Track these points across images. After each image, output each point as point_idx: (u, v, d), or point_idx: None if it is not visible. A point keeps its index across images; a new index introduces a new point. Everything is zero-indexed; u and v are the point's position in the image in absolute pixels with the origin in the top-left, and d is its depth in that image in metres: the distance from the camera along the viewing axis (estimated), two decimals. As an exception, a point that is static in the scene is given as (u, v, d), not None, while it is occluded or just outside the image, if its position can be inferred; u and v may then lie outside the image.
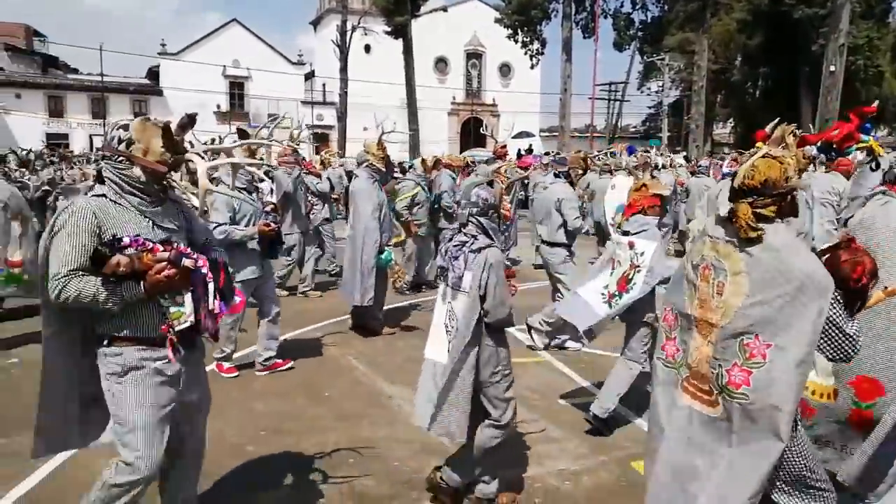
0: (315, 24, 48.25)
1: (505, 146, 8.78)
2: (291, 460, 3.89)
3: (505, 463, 3.86)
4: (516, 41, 36.14)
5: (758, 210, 2.37)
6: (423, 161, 9.02)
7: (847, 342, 2.35)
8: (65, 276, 2.36)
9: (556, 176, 6.63)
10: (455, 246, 3.22)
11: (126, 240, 2.42)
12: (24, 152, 15.91)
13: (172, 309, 2.53)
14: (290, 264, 8.22)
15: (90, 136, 37.25)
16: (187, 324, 2.55)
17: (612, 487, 3.66)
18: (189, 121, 2.58)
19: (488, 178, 3.68)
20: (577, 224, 6.15)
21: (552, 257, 6.28)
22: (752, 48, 32.66)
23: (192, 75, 39.03)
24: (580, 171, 8.52)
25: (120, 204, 2.50)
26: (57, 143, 33.22)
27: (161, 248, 2.46)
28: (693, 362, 2.51)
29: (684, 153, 21.13)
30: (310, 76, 45.26)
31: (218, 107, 41.22)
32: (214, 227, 4.66)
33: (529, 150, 25.52)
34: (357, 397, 4.96)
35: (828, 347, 2.37)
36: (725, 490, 2.34)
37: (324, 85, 43.02)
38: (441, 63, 47.38)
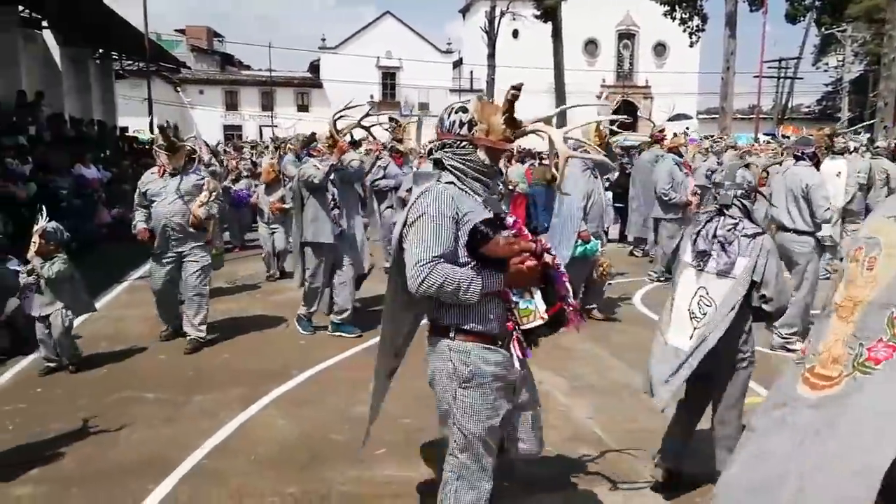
0: (464, 11, 48.83)
1: (663, 130, 8.37)
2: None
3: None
4: (673, 18, 34.08)
5: None
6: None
7: None
8: (430, 262, 2.22)
9: (800, 158, 5.99)
10: (727, 230, 3.09)
11: (509, 220, 2.33)
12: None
13: (522, 305, 2.34)
14: None
15: (259, 127, 40.64)
16: (536, 322, 2.35)
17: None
18: (514, 94, 2.37)
19: (744, 162, 3.57)
20: (827, 216, 5.59)
21: (798, 246, 5.71)
22: (959, 12, 28.23)
23: (348, 67, 41.20)
24: (824, 151, 7.63)
25: (463, 191, 2.37)
26: (232, 133, 36.67)
27: (529, 237, 2.33)
28: (824, 347, 2.25)
29: (868, 135, 18.87)
30: (458, 64, 46.00)
31: (371, 97, 43.21)
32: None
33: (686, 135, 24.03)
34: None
35: None
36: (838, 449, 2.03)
37: (471, 72, 43.53)
38: (591, 45, 46.01)
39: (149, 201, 5.63)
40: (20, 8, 14.51)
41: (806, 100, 45.20)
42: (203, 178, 5.84)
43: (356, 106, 5.93)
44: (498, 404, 2.41)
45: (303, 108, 42.80)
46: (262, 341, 5.86)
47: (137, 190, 5.80)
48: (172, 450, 3.76)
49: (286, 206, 7.83)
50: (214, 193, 5.77)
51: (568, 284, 2.38)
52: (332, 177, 5.72)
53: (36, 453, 3.68)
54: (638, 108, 43.72)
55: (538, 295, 2.32)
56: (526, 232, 2.32)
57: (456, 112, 2.38)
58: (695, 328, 3.10)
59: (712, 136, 20.06)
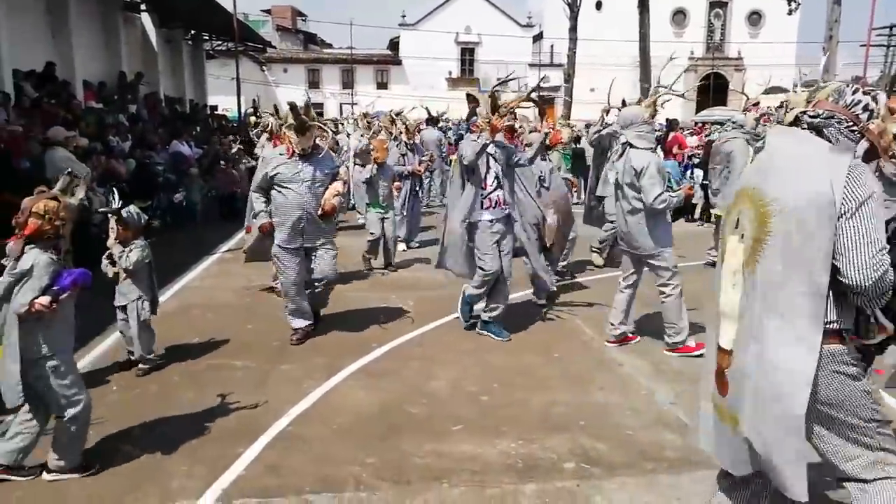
0: (545, -16, 47.65)
1: (758, 103, 7.87)
2: (522, 415, 3.99)
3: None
4: (770, -16, 32.01)
5: None
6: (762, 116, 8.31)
7: None
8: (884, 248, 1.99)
9: None
10: None
11: None
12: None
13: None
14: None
15: (340, 105, 41.41)
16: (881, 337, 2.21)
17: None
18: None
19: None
20: None
21: None
22: None
23: (427, 44, 41.17)
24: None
25: None
26: (315, 111, 37.56)
27: None
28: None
29: None
30: (538, 38, 45.04)
31: (449, 73, 43.05)
32: (655, 197, 4.71)
33: (756, 105, 22.55)
34: (586, 361, 4.92)
35: None
36: None
37: (552, 46, 42.52)
38: (679, 15, 43.88)
39: (275, 186, 5.06)
40: (120, -8, 15.31)
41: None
42: (337, 166, 5.43)
43: (514, 79, 5.79)
44: None
45: (382, 85, 43.23)
46: (343, 315, 6.00)
47: (261, 171, 5.23)
48: (259, 416, 3.92)
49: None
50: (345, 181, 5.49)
51: None
52: (495, 154, 5.18)
53: (136, 416, 3.92)
54: (728, 80, 41.51)
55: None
56: None
57: (864, 94, 2.18)
58: None
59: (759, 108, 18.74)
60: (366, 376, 4.61)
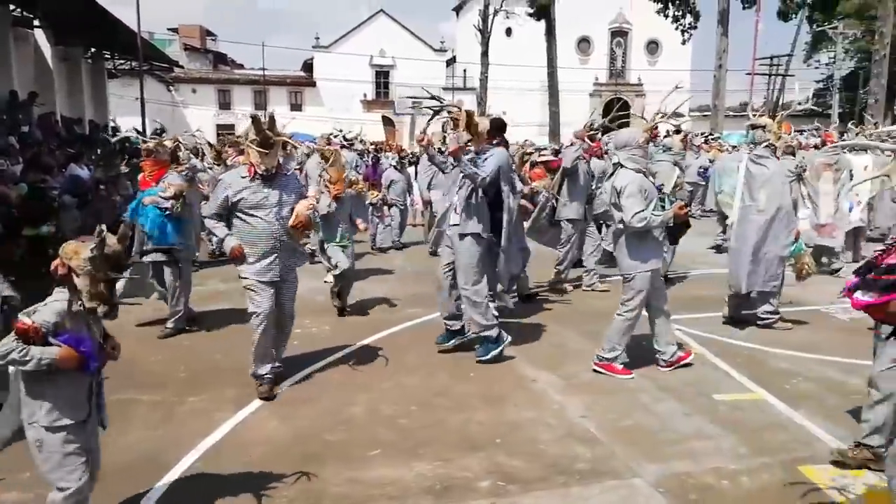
0: (457, 9, 48.73)
1: (656, 127, 8.37)
2: (440, 436, 4.02)
3: (655, 456, 3.75)
4: (666, 16, 34.19)
5: None
6: (685, 138, 8.68)
7: None
8: None
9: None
10: None
11: None
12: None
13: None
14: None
15: (253, 126, 40.45)
16: None
17: (776, 491, 3.41)
18: None
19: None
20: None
21: None
22: (950, 9, 28.35)
23: (342, 66, 41.06)
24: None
25: None
26: (225, 133, 36.48)
27: None
28: None
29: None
30: (451, 62, 45.94)
31: (364, 95, 43.09)
32: (633, 216, 4.67)
33: (677, 131, 24.04)
34: (501, 378, 5.02)
35: None
36: None
37: (465, 70, 43.48)
38: (584, 43, 46.02)
39: (239, 213, 4.52)
40: (11, 7, 14.42)
41: (797, 97, 45.37)
42: (303, 186, 4.96)
43: (441, 104, 5.73)
44: None
45: (296, 107, 42.64)
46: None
47: (219, 194, 4.58)
48: (166, 452, 3.75)
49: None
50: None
51: None
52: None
53: (26, 457, 3.65)
54: (630, 105, 43.76)
55: None
56: None
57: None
58: None
59: (703, 134, 20.12)
60: (280, 405, 4.50)
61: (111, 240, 2.67)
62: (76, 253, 2.64)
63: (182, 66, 36.98)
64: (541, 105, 37.40)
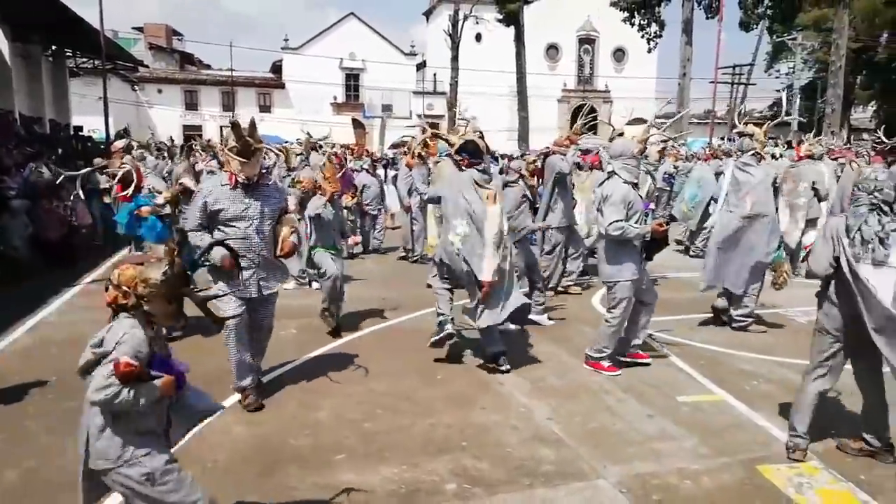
0: (427, 14, 48.86)
1: (622, 133, 8.50)
2: (406, 439, 4.02)
3: (619, 457, 3.80)
4: (632, 24, 34.77)
5: None
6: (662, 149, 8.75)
7: None
8: None
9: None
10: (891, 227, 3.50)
11: None
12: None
13: None
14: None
15: (220, 128, 39.92)
16: None
17: (736, 490, 3.49)
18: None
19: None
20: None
21: None
22: (902, 23, 29.49)
23: (311, 68, 40.76)
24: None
25: None
26: (192, 133, 35.90)
27: None
28: None
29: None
30: (421, 66, 45.99)
31: (335, 98, 42.83)
32: (610, 223, 4.82)
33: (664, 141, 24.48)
34: (468, 382, 5.03)
35: None
36: None
37: (434, 75, 43.55)
38: (552, 49, 46.50)
39: (219, 225, 4.24)
40: (-34, 2, 13.99)
41: (759, 105, 46.55)
42: (285, 196, 4.73)
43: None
44: None
45: (265, 108, 42.16)
46: (216, 345, 5.75)
47: (198, 203, 4.29)
48: (126, 458, 3.66)
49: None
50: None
51: None
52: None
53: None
54: (597, 111, 44.40)
55: None
56: None
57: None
58: None
59: (668, 140, 20.46)
60: (244, 410, 4.44)
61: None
62: (141, 279, 2.43)
63: (147, 66, 36.29)
64: (510, 110, 37.70)
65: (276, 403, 4.55)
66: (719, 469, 3.70)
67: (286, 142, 12.73)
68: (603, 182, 5.23)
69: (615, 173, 5.10)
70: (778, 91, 41.62)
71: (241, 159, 4.15)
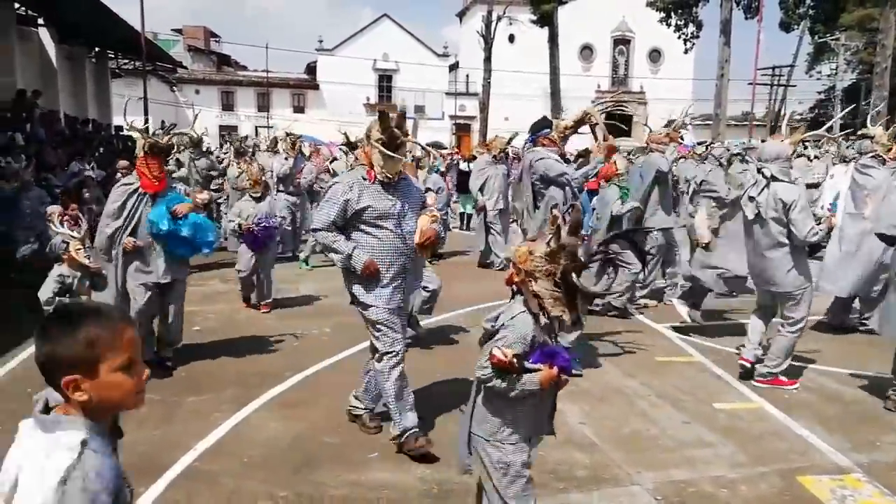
0: (461, 15, 48.90)
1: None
2: (439, 439, 3.98)
3: (654, 463, 3.75)
4: (669, 25, 34.28)
5: None
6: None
7: None
8: None
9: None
10: None
11: None
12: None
13: None
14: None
15: (255, 128, 40.56)
16: None
17: (774, 500, 3.41)
18: None
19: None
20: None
21: None
22: (952, 22, 28.45)
23: (345, 69, 41.17)
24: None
25: None
26: (227, 133, 36.56)
27: None
28: None
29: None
30: (454, 67, 46.06)
31: (367, 99, 43.17)
32: (809, 230, 4.63)
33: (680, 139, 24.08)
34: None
35: None
36: None
37: (467, 76, 43.59)
38: (586, 50, 46.13)
39: (362, 224, 3.78)
40: (16, 5, 14.47)
41: (799, 107, 45.52)
42: (423, 194, 4.35)
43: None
44: None
45: (299, 109, 42.70)
46: (256, 343, 5.85)
47: (336, 199, 3.74)
48: (164, 452, 3.75)
49: None
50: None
51: None
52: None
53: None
54: (633, 113, 43.92)
55: None
56: None
57: None
58: None
59: (705, 143, 20.13)
60: (279, 407, 4.50)
61: (565, 231, 2.27)
62: (530, 254, 2.31)
63: (185, 67, 37.09)
64: (543, 111, 37.52)
65: (311, 401, 4.60)
66: (757, 478, 3.62)
67: (322, 143, 12.81)
68: (762, 189, 4.81)
69: (775, 177, 4.74)
70: (820, 94, 40.68)
71: (385, 152, 3.68)
